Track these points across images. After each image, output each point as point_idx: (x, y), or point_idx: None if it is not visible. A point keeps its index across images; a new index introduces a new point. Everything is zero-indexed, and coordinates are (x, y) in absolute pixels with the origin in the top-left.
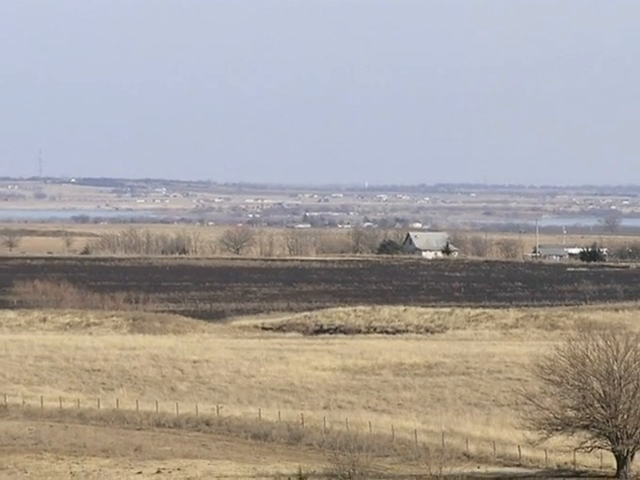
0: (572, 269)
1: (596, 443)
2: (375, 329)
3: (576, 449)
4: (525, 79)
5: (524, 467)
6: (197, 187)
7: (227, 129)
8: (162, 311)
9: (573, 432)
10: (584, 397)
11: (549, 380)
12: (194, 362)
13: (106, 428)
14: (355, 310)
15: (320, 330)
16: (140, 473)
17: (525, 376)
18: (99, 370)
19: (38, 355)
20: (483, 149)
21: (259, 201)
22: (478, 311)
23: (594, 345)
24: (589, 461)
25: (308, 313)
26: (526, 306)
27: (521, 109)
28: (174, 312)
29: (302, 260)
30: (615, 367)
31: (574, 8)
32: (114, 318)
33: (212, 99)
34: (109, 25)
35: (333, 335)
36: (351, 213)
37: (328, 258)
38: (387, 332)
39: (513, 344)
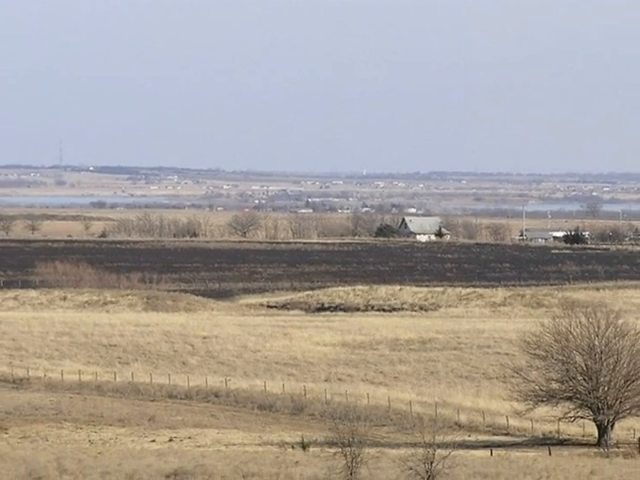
0: (556, 251)
1: (579, 413)
2: (373, 307)
3: (560, 419)
4: (513, 74)
5: (512, 436)
6: (207, 175)
7: (235, 121)
8: (174, 290)
9: (557, 403)
10: (567, 370)
11: (535, 355)
12: (204, 338)
13: (122, 399)
14: (354, 289)
15: (321, 308)
16: (153, 441)
17: (512, 351)
18: (115, 345)
19: (59, 331)
20: (473, 139)
21: (264, 188)
22: (469, 290)
23: (577, 322)
24: (572, 430)
25: (310, 292)
26: (513, 285)
27: (509, 102)
28: (185, 291)
29: (304, 243)
30: (596, 342)
31: (558, 8)
32: (129, 297)
33: (221, 93)
34: (125, 24)
35: (333, 313)
36: (350, 199)
37: (329, 241)
38: (384, 310)
39: (501, 321)
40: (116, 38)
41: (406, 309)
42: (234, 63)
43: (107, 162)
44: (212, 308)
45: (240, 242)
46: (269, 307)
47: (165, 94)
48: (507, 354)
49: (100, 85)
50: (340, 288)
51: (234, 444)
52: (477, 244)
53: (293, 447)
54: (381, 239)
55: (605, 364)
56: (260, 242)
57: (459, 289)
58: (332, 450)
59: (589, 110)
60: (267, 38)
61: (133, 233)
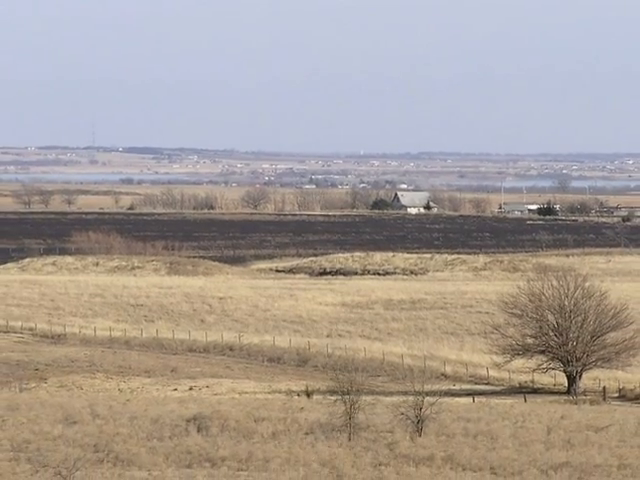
0: (531, 222)
1: (550, 365)
2: (369, 271)
3: (534, 370)
4: (492, 65)
5: (491, 385)
6: (222, 155)
7: (247, 107)
8: (193, 257)
9: (532, 356)
10: (541, 327)
11: (512, 313)
12: (220, 298)
13: (147, 353)
14: (352, 256)
15: (323, 272)
16: (175, 389)
17: (492, 310)
18: (142, 305)
19: (92, 293)
20: (458, 124)
21: (273, 166)
22: (453, 257)
23: (549, 284)
24: (545, 380)
25: (314, 258)
26: (493, 252)
27: (489, 91)
28: (203, 257)
29: (308, 215)
30: (566, 302)
31: (534, 6)
32: (154, 262)
33: (235, 83)
34: (144, 17)
35: (334, 276)
36: (349, 176)
37: (330, 213)
38: (379, 274)
39: (482, 284)
40: (140, 31)
41: (398, 273)
42: (247, 58)
43: (135, 143)
44: (227, 272)
45: (252, 214)
46: (277, 271)
47: (186, 84)
48: (487, 313)
49: (129, 74)
50: (340, 255)
51: (246, 392)
52: (461, 216)
53: (298, 395)
54: (376, 212)
55: (574, 322)
56: (269, 214)
57: (445, 255)
58: (333, 397)
59: (560, 98)
60: (276, 34)
61: (157, 206)
